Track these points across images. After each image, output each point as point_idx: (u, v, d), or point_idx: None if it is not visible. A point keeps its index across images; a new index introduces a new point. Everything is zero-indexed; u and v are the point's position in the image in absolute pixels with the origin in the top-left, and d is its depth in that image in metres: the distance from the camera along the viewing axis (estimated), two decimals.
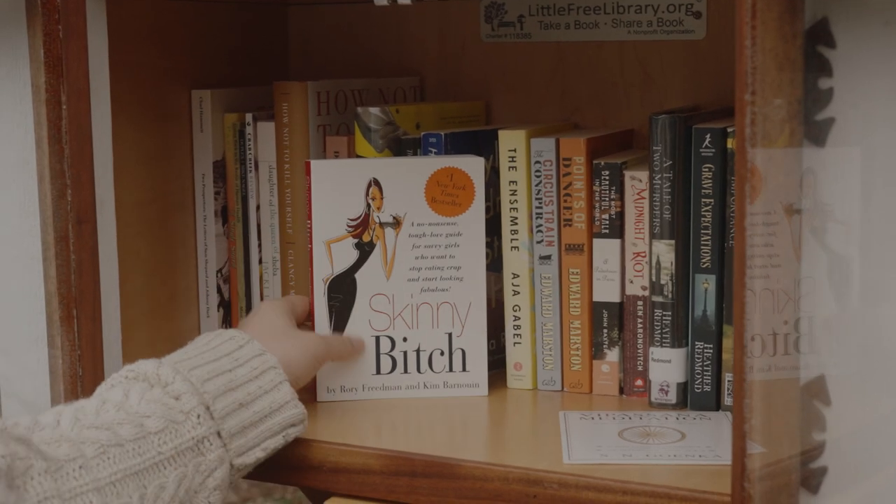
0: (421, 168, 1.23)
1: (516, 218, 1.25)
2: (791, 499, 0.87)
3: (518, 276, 1.25)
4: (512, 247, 1.25)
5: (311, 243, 1.21)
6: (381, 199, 1.22)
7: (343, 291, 1.22)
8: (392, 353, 1.23)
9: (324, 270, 1.22)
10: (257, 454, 1.05)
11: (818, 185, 0.86)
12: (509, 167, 1.25)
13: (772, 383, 0.88)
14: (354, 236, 1.21)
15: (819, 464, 0.88)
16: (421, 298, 1.23)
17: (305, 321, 1.23)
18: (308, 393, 1.21)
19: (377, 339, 1.23)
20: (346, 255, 1.22)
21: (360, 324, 1.22)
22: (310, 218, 1.21)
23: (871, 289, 0.85)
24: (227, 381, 1.04)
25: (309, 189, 1.20)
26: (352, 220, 1.21)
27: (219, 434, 1.02)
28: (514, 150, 1.24)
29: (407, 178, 1.22)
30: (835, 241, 0.86)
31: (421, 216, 1.23)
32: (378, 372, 1.23)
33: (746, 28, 0.81)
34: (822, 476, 0.88)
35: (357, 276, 1.22)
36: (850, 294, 0.86)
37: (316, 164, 1.21)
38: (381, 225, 1.22)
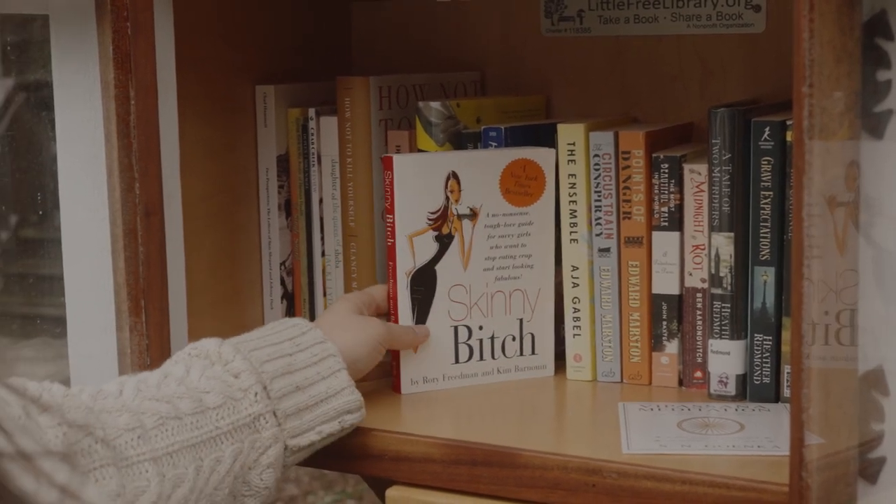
0: (496, 160, 1.25)
1: (575, 211, 1.26)
2: (849, 489, 0.88)
3: (577, 268, 1.26)
4: (571, 239, 1.26)
5: (392, 238, 1.23)
6: (459, 191, 1.24)
7: (424, 284, 1.24)
8: (469, 342, 1.26)
9: (406, 264, 1.23)
10: (312, 437, 1.07)
11: (875, 177, 0.86)
12: (568, 160, 1.26)
13: (830, 374, 0.88)
14: (434, 229, 1.23)
15: (877, 454, 0.89)
16: (495, 287, 1.26)
17: (386, 312, 1.24)
18: (392, 386, 1.25)
19: (455, 328, 1.25)
20: (427, 248, 1.24)
21: (439, 315, 1.24)
22: (391, 213, 1.22)
23: None
24: (286, 363, 1.06)
25: (391, 184, 1.22)
26: (432, 213, 1.23)
27: (274, 414, 1.04)
28: (573, 144, 1.25)
29: (483, 170, 1.25)
30: (891, 230, 0.87)
31: (496, 207, 1.26)
32: (457, 361, 1.25)
33: (804, 21, 0.82)
34: (880, 466, 0.88)
35: (437, 268, 1.24)
36: None
37: (398, 159, 1.22)
38: (459, 217, 1.24)
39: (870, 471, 0.89)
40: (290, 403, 1.05)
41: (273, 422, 1.04)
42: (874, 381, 0.88)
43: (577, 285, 1.27)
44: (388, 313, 1.24)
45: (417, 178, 1.22)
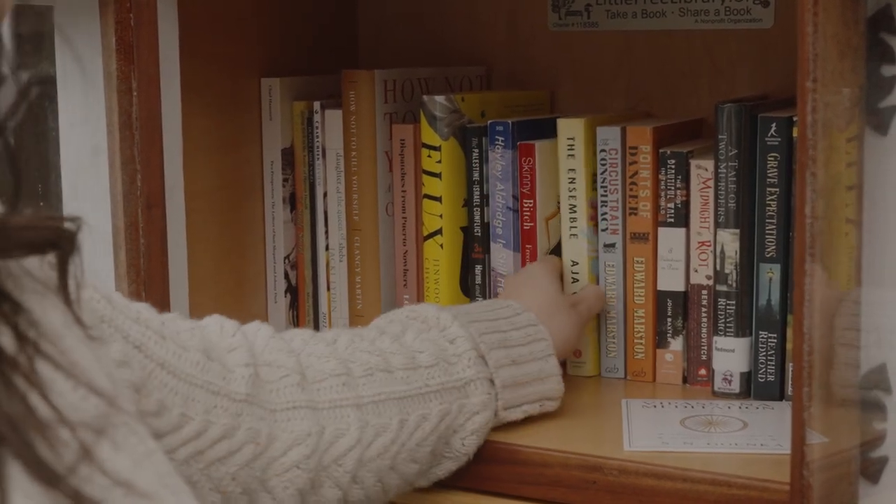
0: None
1: (575, 206, 1.25)
2: (851, 488, 0.87)
3: (577, 263, 1.26)
4: (571, 234, 1.26)
5: (533, 221, 1.26)
6: None
7: None
8: None
9: (544, 246, 1.27)
10: (517, 414, 1.08)
11: (880, 173, 0.86)
12: (567, 155, 1.25)
13: (832, 372, 0.87)
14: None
15: (880, 453, 0.88)
16: None
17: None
18: None
19: None
20: (556, 229, 1.28)
21: None
22: (531, 198, 1.25)
23: None
24: (502, 338, 1.07)
25: (532, 170, 1.25)
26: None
27: (491, 381, 1.05)
28: (573, 139, 1.24)
29: None
30: (895, 227, 0.86)
31: None
32: None
33: (808, 15, 0.81)
34: (882, 466, 0.88)
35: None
36: None
37: (539, 146, 1.25)
38: None
39: (872, 470, 0.88)
40: (507, 374, 1.06)
41: (485, 388, 1.04)
42: (877, 379, 0.87)
43: (577, 280, 1.26)
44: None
45: (551, 164, 1.26)
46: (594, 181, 1.25)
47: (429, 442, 1.01)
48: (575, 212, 1.25)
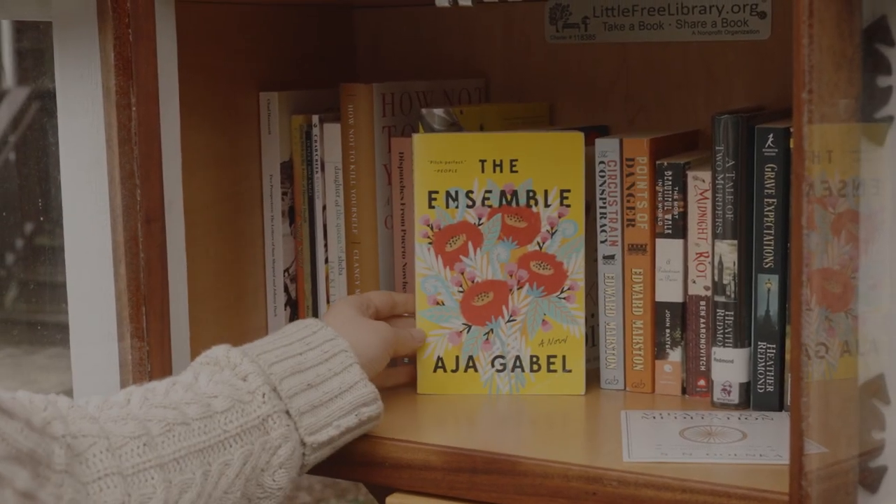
0: None
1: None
2: (849, 498, 0.87)
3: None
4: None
5: None
6: None
7: None
8: None
9: None
10: (330, 432, 1.07)
11: (876, 184, 0.86)
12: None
13: (830, 382, 0.87)
14: None
15: (878, 463, 0.88)
16: None
17: (386, 317, 1.25)
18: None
19: None
20: None
21: None
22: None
23: None
24: (295, 363, 1.07)
25: None
26: None
27: (287, 413, 1.05)
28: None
29: None
30: (891, 237, 0.86)
31: None
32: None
33: (804, 27, 0.81)
34: (881, 475, 0.88)
35: None
36: None
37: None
38: None
39: (871, 479, 0.88)
40: (302, 401, 1.06)
41: (283, 421, 1.04)
42: (875, 389, 0.88)
43: None
44: (386, 318, 1.25)
45: None
46: (430, 199, 1.24)
47: (236, 486, 1.01)
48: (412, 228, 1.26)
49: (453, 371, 1.25)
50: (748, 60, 1.33)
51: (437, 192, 1.24)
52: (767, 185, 1.15)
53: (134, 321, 1.14)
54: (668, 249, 1.23)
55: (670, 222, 1.23)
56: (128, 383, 1.16)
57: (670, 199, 1.22)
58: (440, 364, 1.25)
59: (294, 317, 1.41)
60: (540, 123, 1.40)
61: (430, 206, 1.24)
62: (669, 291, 1.24)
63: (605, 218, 1.25)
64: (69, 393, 1.21)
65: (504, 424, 1.18)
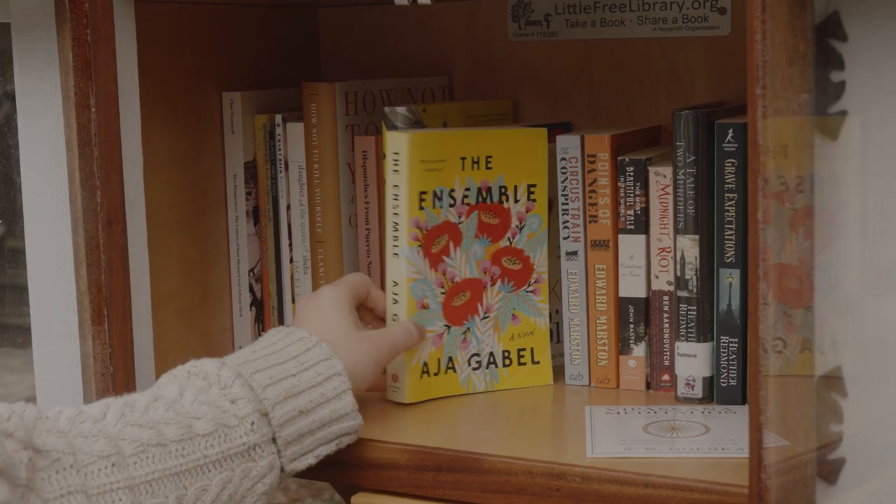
0: None
1: (397, 224, 1.21)
2: (808, 490, 0.88)
3: (397, 283, 1.21)
4: (392, 253, 1.22)
5: None
6: None
7: None
8: None
9: None
10: (309, 461, 1.05)
11: (830, 178, 0.87)
12: (392, 170, 1.20)
13: (789, 376, 0.88)
14: None
15: (837, 455, 0.89)
16: None
17: (367, 303, 1.20)
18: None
19: None
20: None
21: None
22: None
23: (885, 281, 0.85)
24: (289, 385, 1.03)
25: None
26: None
27: (274, 440, 1.02)
28: (398, 154, 1.19)
29: None
30: (848, 233, 0.87)
31: None
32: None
33: (756, 22, 0.82)
34: (840, 467, 0.89)
35: None
36: (864, 286, 0.86)
37: None
38: None
39: (829, 472, 0.89)
40: (292, 430, 1.02)
41: (270, 449, 1.01)
42: (832, 382, 0.88)
43: (397, 301, 1.20)
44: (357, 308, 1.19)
45: None
46: (420, 199, 1.20)
47: None
48: (397, 230, 1.20)
49: (435, 374, 1.22)
50: (709, 56, 1.34)
51: (426, 193, 1.20)
52: (727, 181, 1.16)
53: (96, 323, 1.14)
54: (630, 245, 1.24)
55: (632, 218, 1.23)
56: (90, 385, 1.15)
57: (632, 195, 1.23)
58: (425, 369, 1.22)
59: (259, 317, 1.41)
60: (503, 121, 1.40)
61: (420, 208, 1.20)
62: (632, 287, 1.24)
63: (567, 214, 1.26)
64: (32, 396, 1.21)
65: (469, 422, 1.18)
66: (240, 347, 1.39)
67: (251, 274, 1.40)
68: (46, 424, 0.92)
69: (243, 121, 1.38)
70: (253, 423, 1.00)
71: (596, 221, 1.24)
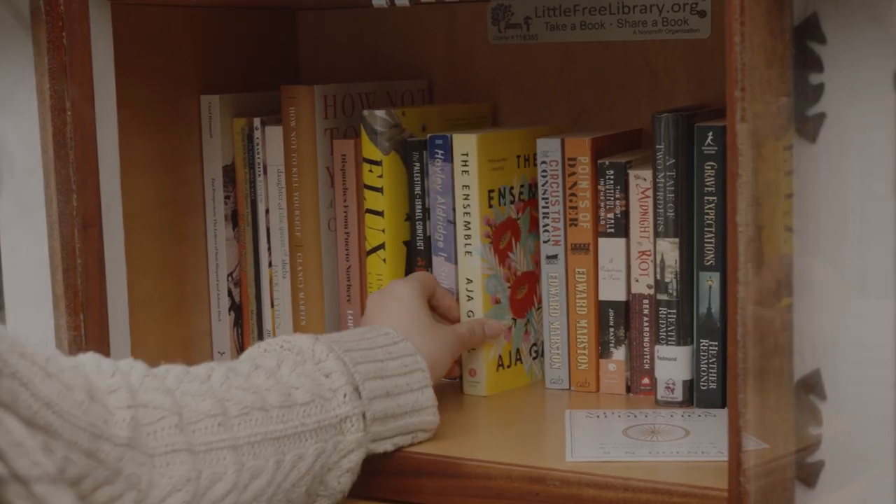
0: None
1: (469, 223, 1.24)
2: (787, 493, 0.88)
3: (471, 280, 1.24)
4: (465, 251, 1.24)
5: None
6: None
7: None
8: None
9: None
10: (387, 446, 1.06)
11: (809, 180, 0.87)
12: (462, 171, 1.24)
13: (767, 379, 0.88)
14: None
15: (816, 458, 0.89)
16: None
17: (431, 302, 1.22)
18: None
19: None
20: None
21: None
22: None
23: (864, 284, 0.85)
24: (378, 368, 1.05)
25: None
26: None
27: (363, 415, 1.03)
28: (467, 155, 1.23)
29: None
30: (826, 235, 0.87)
31: None
32: None
33: (735, 25, 0.82)
34: (819, 470, 0.88)
35: None
36: (843, 289, 0.86)
37: None
38: None
39: (808, 475, 0.89)
40: (379, 407, 1.04)
41: (360, 425, 1.02)
42: (811, 385, 0.88)
43: (472, 298, 1.24)
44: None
45: None
46: (489, 198, 1.24)
47: (304, 482, 1.00)
48: (469, 228, 1.24)
49: (508, 367, 1.27)
50: (689, 59, 1.34)
51: (493, 191, 1.24)
52: (707, 183, 1.16)
53: (72, 328, 1.13)
54: (610, 248, 1.23)
55: (612, 221, 1.23)
56: None
57: (612, 199, 1.23)
58: (500, 362, 1.26)
59: (238, 322, 1.40)
60: (482, 124, 1.39)
61: (489, 206, 1.24)
62: (613, 290, 1.24)
63: (547, 218, 1.25)
64: None
65: (450, 426, 1.18)
66: (219, 352, 1.40)
67: (230, 278, 1.40)
68: (154, 382, 0.94)
69: (222, 124, 1.37)
70: (346, 394, 1.02)
71: (576, 225, 1.24)
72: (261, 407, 0.97)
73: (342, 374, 1.03)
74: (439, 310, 1.23)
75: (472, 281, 1.24)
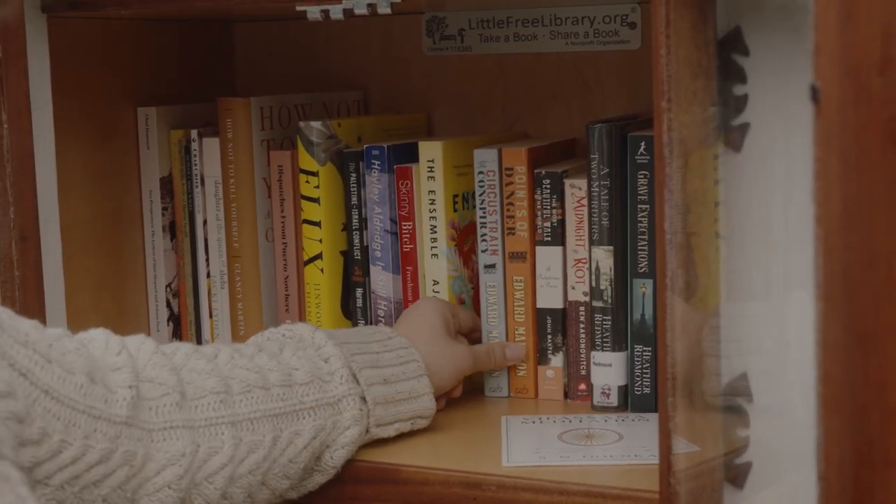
0: None
1: (435, 227, 1.27)
2: (716, 494, 0.90)
3: (437, 282, 1.28)
4: (431, 254, 1.28)
5: (412, 243, 1.29)
6: None
7: None
8: None
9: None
10: (389, 432, 1.11)
11: (734, 188, 0.89)
12: (427, 177, 1.27)
13: (696, 383, 0.90)
14: None
15: (744, 459, 0.91)
16: None
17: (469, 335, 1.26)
18: None
19: None
20: None
21: None
22: (411, 220, 1.28)
23: (787, 288, 0.87)
24: (373, 359, 1.10)
25: (410, 193, 1.27)
26: None
27: (363, 398, 1.08)
28: (432, 161, 1.27)
29: None
30: (752, 241, 0.89)
31: None
32: None
33: (661, 38, 0.84)
34: (747, 471, 0.90)
35: None
36: (767, 293, 0.88)
37: (416, 169, 1.27)
38: None
39: (737, 476, 0.91)
40: (379, 392, 1.09)
41: (357, 404, 1.07)
42: (739, 388, 0.90)
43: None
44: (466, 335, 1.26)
45: None
46: (454, 202, 1.28)
47: (301, 458, 1.03)
48: (435, 232, 1.28)
49: None
50: (620, 69, 1.36)
51: (458, 196, 1.28)
52: (640, 192, 1.18)
53: None
54: (547, 256, 1.25)
55: (549, 230, 1.24)
56: None
57: (549, 207, 1.24)
58: None
59: (177, 332, 1.40)
60: (417, 134, 1.41)
61: (454, 210, 1.28)
62: (550, 298, 1.26)
63: (485, 227, 1.27)
64: None
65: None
66: None
67: (168, 289, 1.40)
68: (161, 360, 0.98)
69: (159, 136, 1.38)
70: (343, 377, 1.07)
71: (514, 234, 1.26)
72: (262, 385, 1.02)
73: (339, 359, 1.08)
74: (462, 330, 1.26)
75: (438, 282, 1.28)
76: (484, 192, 1.26)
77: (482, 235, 1.27)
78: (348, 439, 1.07)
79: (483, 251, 1.27)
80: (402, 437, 1.18)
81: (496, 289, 1.27)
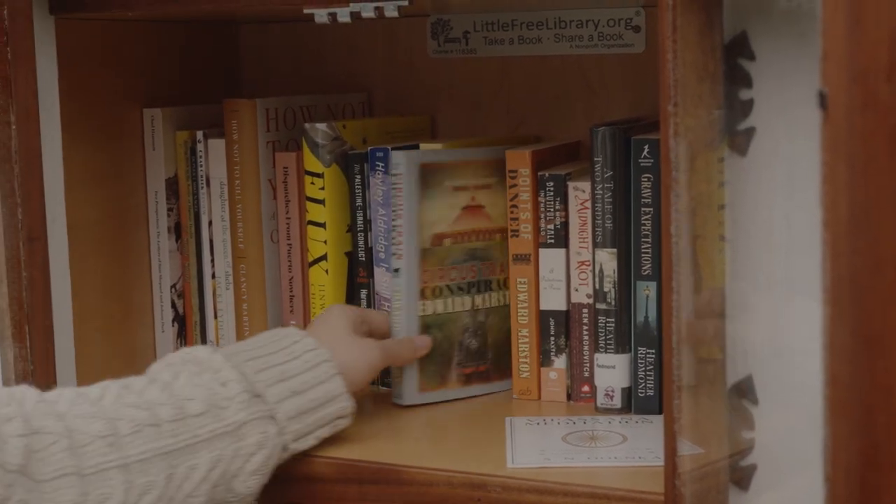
0: None
1: None
2: (721, 496, 0.90)
3: None
4: None
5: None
6: None
7: None
8: None
9: None
10: (311, 441, 1.08)
11: (740, 192, 0.89)
12: None
13: (701, 385, 0.90)
14: None
15: (749, 461, 0.91)
16: None
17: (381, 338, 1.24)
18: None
19: None
20: None
21: None
22: None
23: (791, 291, 0.88)
24: (280, 371, 1.07)
25: None
26: None
27: (273, 418, 1.05)
28: None
29: None
30: (757, 244, 0.89)
31: None
32: None
33: (668, 42, 0.84)
34: (752, 473, 0.91)
35: None
36: (773, 296, 0.89)
37: None
38: None
39: (742, 478, 0.91)
40: (290, 406, 1.06)
41: (261, 427, 1.04)
42: (744, 390, 0.91)
43: None
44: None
45: None
46: None
47: (201, 491, 1.01)
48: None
49: None
50: (624, 73, 1.37)
51: None
52: (644, 195, 1.18)
53: (17, 340, 1.13)
54: (551, 259, 1.26)
55: (553, 232, 1.25)
56: None
57: (552, 210, 1.25)
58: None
59: (182, 333, 1.41)
60: (421, 136, 1.41)
61: None
62: (553, 300, 1.26)
63: None
64: None
65: (393, 434, 1.19)
66: None
67: (173, 290, 1.41)
68: (45, 408, 0.95)
69: (164, 137, 1.38)
70: (242, 401, 1.03)
71: (517, 236, 1.26)
72: (152, 423, 0.99)
73: (239, 383, 1.04)
74: (371, 326, 1.24)
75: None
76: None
77: None
78: (256, 465, 1.03)
79: None
80: (404, 437, 1.19)
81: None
